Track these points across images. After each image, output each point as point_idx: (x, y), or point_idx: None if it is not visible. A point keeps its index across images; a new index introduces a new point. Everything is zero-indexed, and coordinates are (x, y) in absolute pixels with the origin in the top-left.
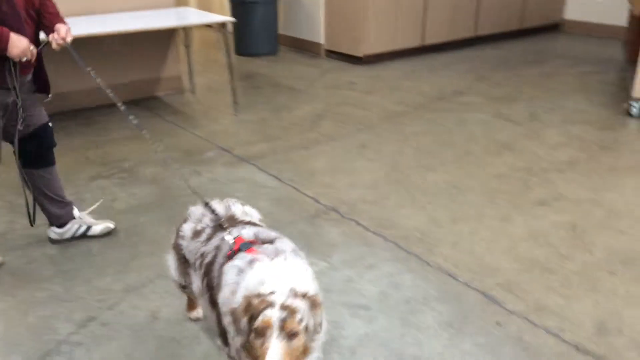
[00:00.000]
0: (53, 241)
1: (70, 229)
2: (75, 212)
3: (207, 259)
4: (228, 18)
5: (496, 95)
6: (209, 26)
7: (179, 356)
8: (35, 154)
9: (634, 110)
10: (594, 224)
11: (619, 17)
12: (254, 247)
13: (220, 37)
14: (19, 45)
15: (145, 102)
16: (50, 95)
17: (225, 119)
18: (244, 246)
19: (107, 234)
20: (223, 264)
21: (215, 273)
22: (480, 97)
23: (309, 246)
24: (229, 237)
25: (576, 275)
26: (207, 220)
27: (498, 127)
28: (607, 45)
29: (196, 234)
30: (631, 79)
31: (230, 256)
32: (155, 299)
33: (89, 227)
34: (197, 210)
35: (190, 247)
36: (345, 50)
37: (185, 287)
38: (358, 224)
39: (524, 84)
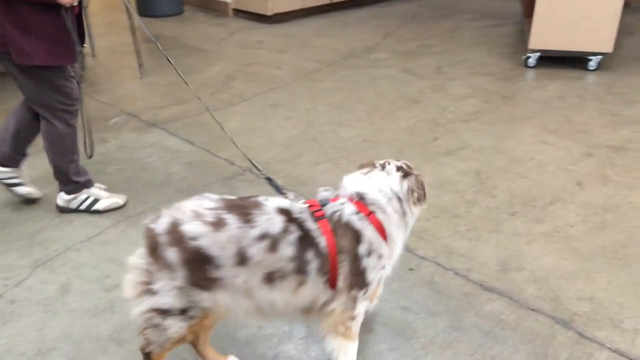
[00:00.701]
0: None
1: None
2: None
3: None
4: None
5: (404, 51)
6: None
7: (93, 328)
8: None
9: (531, 61)
10: (496, 169)
11: None
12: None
13: None
14: None
15: None
16: (85, 45)
17: (131, 82)
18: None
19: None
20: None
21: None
22: (390, 53)
23: None
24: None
25: (481, 218)
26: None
27: (406, 82)
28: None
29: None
30: (528, 31)
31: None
32: (65, 271)
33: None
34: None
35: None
36: (254, 9)
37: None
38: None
39: (430, 39)
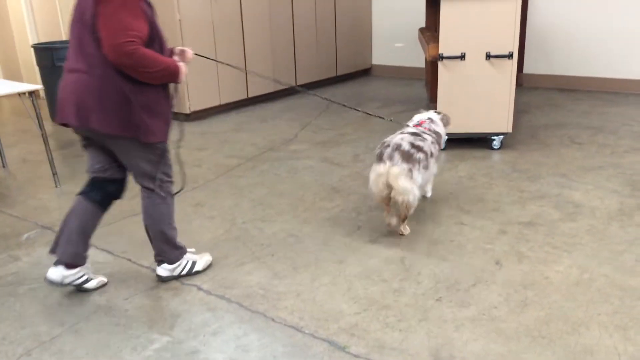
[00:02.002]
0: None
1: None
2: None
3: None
4: (36, 86)
5: (322, 140)
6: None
7: None
8: None
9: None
10: (419, 254)
11: (419, 60)
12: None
13: (31, 106)
14: (183, 70)
15: None
16: None
17: (45, 192)
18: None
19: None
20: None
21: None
22: (308, 144)
23: (149, 321)
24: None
25: (409, 307)
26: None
27: (326, 171)
28: (413, 85)
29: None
30: None
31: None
32: None
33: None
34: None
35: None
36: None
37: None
38: (199, 289)
39: (345, 127)
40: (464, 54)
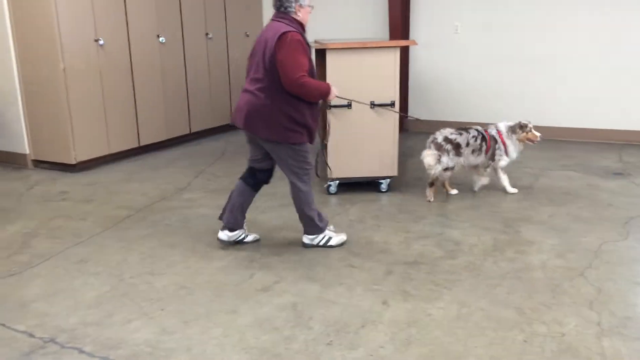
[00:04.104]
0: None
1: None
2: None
3: (479, 138)
4: None
5: (216, 188)
6: None
7: None
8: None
9: (332, 189)
10: (310, 299)
11: None
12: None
13: None
14: (333, 90)
15: None
16: None
17: None
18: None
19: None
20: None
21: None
22: (202, 192)
23: None
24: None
25: (300, 354)
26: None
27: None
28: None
29: (459, 134)
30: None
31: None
32: None
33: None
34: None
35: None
36: (56, 159)
37: (452, 167)
38: (81, 351)
39: (239, 174)
40: (351, 102)
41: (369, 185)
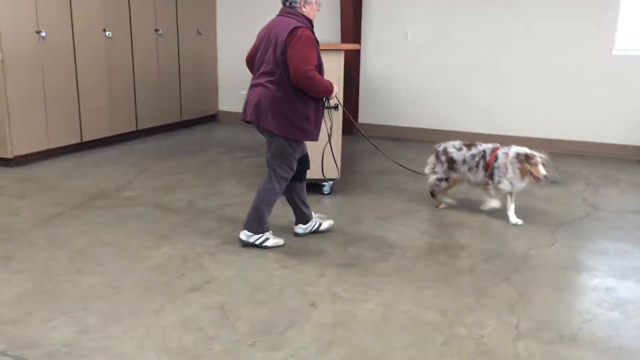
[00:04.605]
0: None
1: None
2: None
3: (479, 157)
4: None
5: (158, 186)
6: None
7: None
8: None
9: None
10: (240, 300)
11: None
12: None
13: None
14: (335, 89)
15: None
16: None
17: None
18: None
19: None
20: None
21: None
22: (142, 190)
23: None
24: (488, 146)
25: (221, 354)
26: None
27: (158, 218)
28: (255, 132)
29: (459, 149)
30: None
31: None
32: None
33: (320, 224)
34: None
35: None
36: None
37: (446, 179)
38: None
39: (185, 173)
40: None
41: (312, 187)
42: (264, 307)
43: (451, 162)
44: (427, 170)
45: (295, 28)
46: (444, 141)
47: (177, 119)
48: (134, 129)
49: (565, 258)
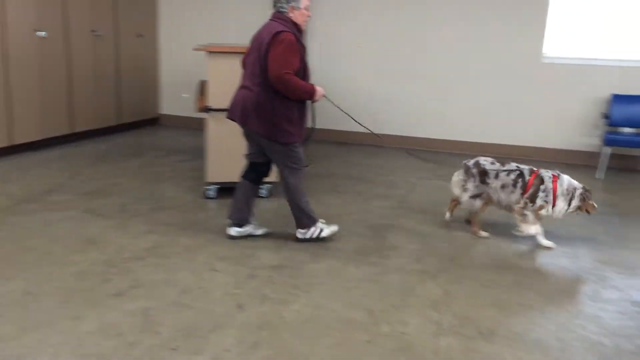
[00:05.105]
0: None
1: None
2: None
3: (515, 175)
4: None
5: (90, 190)
6: None
7: None
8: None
9: (211, 193)
10: (165, 304)
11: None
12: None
13: None
14: (319, 91)
15: None
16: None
17: None
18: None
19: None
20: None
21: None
22: (73, 194)
23: None
24: (524, 166)
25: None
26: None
27: (86, 223)
28: (200, 136)
29: (492, 162)
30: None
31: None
32: None
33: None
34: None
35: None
36: None
37: (479, 195)
38: None
39: (119, 177)
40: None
41: None
42: (189, 310)
43: (483, 175)
44: (456, 189)
45: (278, 32)
46: (473, 156)
47: (115, 122)
48: (70, 132)
49: (491, 257)
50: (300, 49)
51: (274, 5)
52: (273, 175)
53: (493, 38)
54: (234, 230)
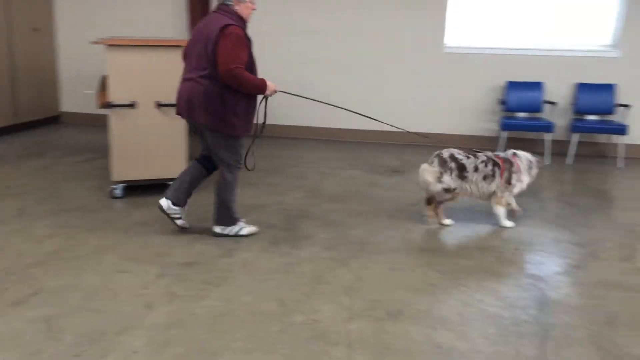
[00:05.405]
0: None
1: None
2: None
3: (490, 164)
4: None
5: None
6: None
7: None
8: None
9: (117, 192)
10: (70, 310)
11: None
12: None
13: None
14: (270, 86)
15: None
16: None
17: None
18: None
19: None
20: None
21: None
22: None
23: None
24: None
25: None
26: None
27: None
28: (102, 133)
29: (467, 156)
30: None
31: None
32: None
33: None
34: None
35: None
36: None
37: (453, 189)
38: None
39: (18, 179)
40: (134, 102)
41: (160, 187)
42: (94, 315)
43: (462, 170)
44: (429, 178)
45: (226, 26)
46: (444, 147)
47: (12, 122)
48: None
49: (399, 240)
50: (247, 43)
51: None
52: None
53: (397, 29)
54: (166, 202)
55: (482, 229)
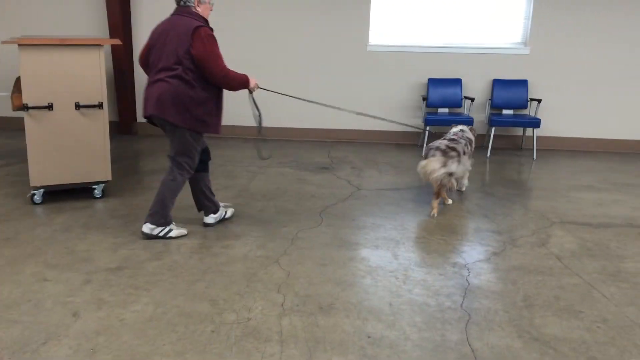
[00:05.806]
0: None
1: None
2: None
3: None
4: None
5: None
6: None
7: None
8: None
9: (37, 198)
10: None
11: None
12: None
13: None
14: (251, 80)
15: None
16: None
17: None
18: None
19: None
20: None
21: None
22: None
23: None
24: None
25: None
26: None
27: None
28: (20, 136)
29: (456, 143)
30: None
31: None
32: None
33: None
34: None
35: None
36: None
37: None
38: None
39: None
40: (52, 104)
41: (82, 191)
42: (16, 326)
43: (459, 155)
44: (436, 165)
45: (197, 28)
46: (427, 147)
47: None
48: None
49: (329, 236)
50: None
51: (178, 1)
52: (103, 174)
53: (322, 30)
54: (211, 218)
55: (409, 222)
